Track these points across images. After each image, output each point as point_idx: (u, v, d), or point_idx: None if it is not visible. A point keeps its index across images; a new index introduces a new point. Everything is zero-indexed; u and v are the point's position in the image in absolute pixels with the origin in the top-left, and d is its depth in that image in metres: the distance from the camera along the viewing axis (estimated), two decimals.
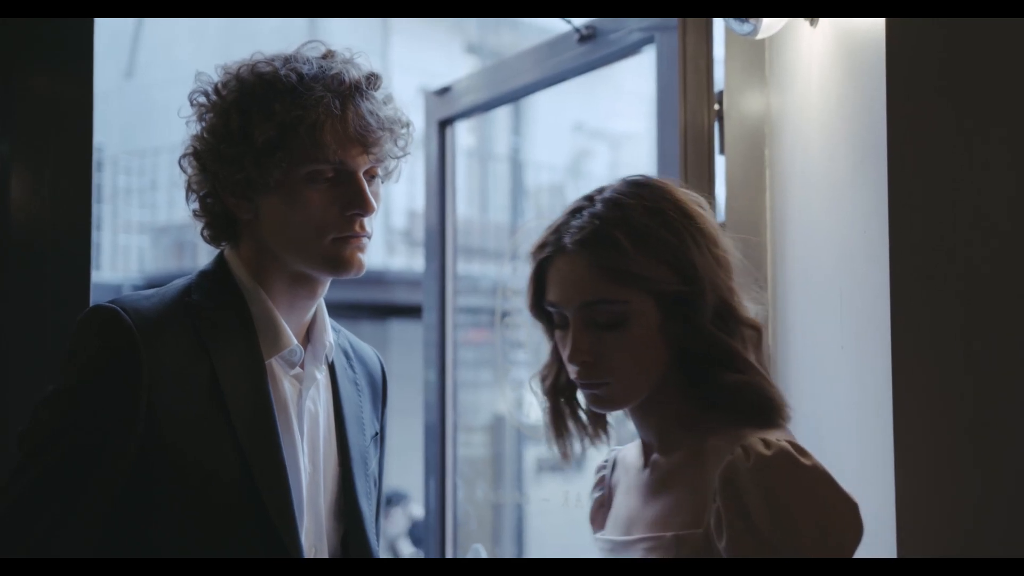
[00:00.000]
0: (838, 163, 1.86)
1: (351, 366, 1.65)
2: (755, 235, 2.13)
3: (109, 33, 9.01)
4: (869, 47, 1.76)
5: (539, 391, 1.54)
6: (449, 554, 2.91)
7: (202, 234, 1.55)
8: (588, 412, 1.52)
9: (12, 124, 1.77)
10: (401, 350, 6.28)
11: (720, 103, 2.18)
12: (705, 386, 1.40)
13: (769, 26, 1.96)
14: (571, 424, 1.52)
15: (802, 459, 1.32)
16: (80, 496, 1.38)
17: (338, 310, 1.76)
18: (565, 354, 1.42)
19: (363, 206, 1.48)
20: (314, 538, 1.52)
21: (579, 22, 2.46)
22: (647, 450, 1.49)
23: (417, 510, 7.06)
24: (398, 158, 1.55)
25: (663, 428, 1.45)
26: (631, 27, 2.34)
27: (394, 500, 6.78)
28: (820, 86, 1.93)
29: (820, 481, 1.31)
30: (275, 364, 1.51)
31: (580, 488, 2.05)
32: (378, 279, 8.44)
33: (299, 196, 1.47)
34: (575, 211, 1.44)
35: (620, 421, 1.56)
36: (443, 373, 2.99)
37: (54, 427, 1.40)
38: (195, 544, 1.41)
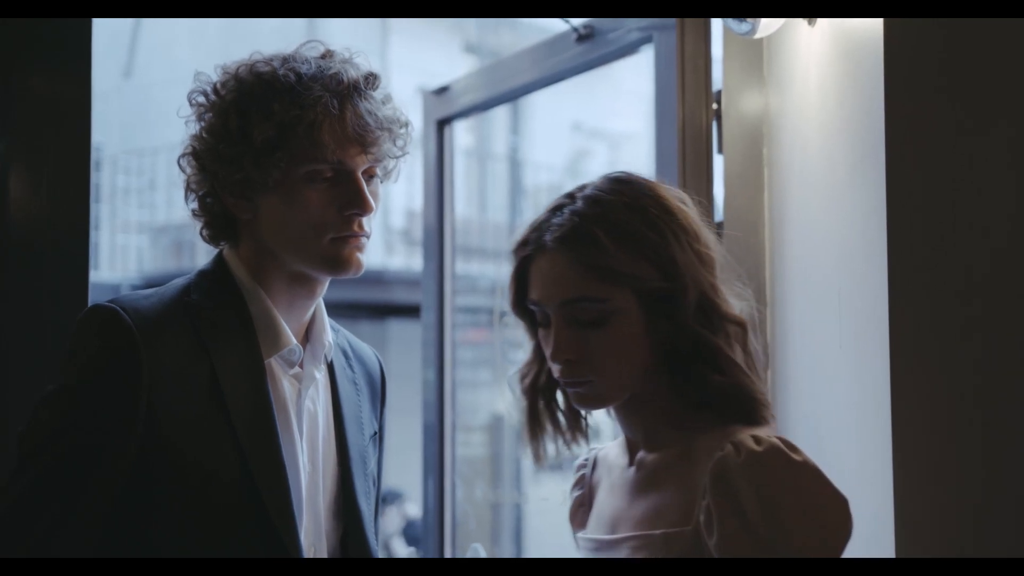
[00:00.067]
0: (837, 163, 1.86)
1: (350, 366, 1.65)
2: (753, 235, 2.13)
3: (108, 33, 9.01)
4: (867, 47, 1.76)
5: (518, 390, 1.52)
6: (448, 554, 2.91)
7: (201, 234, 1.55)
8: (566, 413, 1.51)
9: (11, 124, 1.77)
10: (400, 349, 6.28)
11: (718, 102, 2.18)
12: (690, 384, 1.39)
13: (767, 26, 1.96)
14: (548, 424, 1.51)
15: (793, 455, 1.31)
16: (80, 496, 1.38)
17: (337, 310, 1.77)
18: (548, 352, 1.41)
19: (362, 206, 1.48)
20: (313, 538, 1.52)
21: (577, 22, 2.46)
22: (632, 448, 1.48)
23: (412, 509, 7.07)
24: (397, 158, 1.55)
25: (649, 426, 1.44)
26: (629, 27, 2.34)
27: (388, 499, 6.77)
28: (818, 86, 1.93)
29: (811, 477, 1.31)
30: (274, 364, 1.51)
31: None
32: (377, 279, 8.44)
33: (298, 196, 1.47)
34: (556, 208, 1.42)
35: (595, 429, 1.55)
36: (442, 372, 2.99)
37: (54, 427, 1.40)
38: (195, 544, 1.41)
